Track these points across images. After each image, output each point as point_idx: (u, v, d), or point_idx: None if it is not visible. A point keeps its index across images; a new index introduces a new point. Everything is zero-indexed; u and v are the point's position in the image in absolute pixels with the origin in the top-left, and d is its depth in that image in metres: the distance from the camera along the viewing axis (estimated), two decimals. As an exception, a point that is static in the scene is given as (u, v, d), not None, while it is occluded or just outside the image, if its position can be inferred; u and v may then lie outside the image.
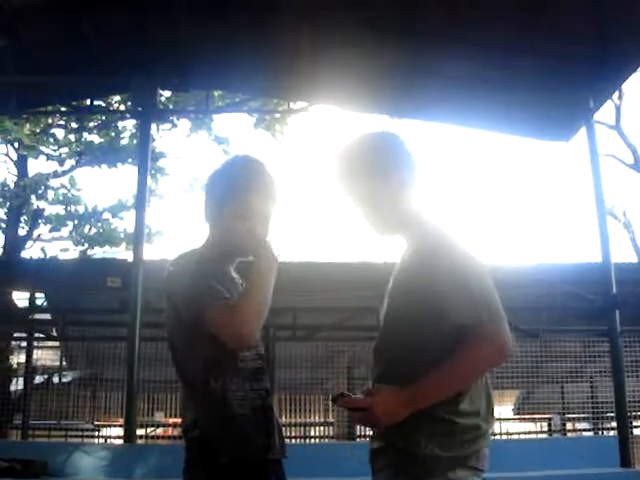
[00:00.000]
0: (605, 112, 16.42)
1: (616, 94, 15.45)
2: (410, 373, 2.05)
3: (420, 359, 2.08)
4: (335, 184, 2.35)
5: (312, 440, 9.96)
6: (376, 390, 2.09)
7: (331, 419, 9.65)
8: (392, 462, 2.09)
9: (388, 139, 2.34)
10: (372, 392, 2.07)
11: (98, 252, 13.76)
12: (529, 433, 10.82)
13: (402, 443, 2.06)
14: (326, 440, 9.60)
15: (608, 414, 8.80)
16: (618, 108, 17.07)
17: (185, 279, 2.23)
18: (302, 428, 10.06)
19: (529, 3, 5.54)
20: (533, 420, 11.21)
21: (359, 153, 2.29)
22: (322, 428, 10.05)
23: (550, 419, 10.49)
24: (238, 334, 2.16)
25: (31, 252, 13.66)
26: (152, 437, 9.26)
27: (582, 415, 10.11)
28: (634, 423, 9.37)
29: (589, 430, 10.35)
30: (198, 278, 2.21)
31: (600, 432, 9.53)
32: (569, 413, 10.21)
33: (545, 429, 10.79)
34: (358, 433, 9.02)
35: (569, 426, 10.87)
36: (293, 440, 9.59)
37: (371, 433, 2.25)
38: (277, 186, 2.42)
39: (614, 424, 7.52)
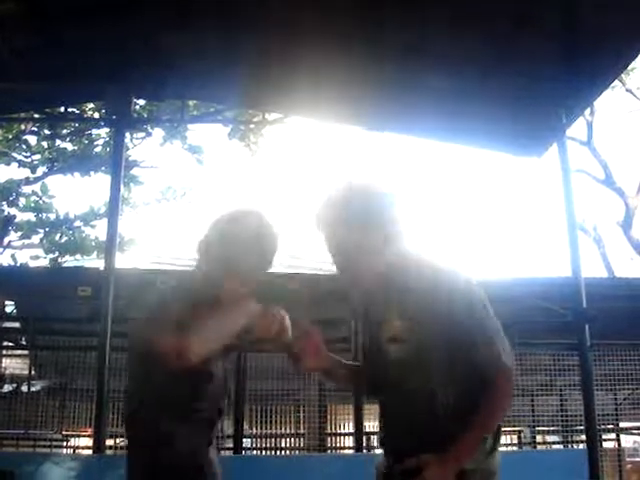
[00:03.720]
0: (577, 128, 16.61)
1: (588, 111, 15.67)
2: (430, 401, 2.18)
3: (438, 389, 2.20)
4: (323, 229, 2.38)
5: (283, 452, 9.93)
6: (425, 464, 2.12)
7: (302, 430, 9.62)
8: None
9: (377, 191, 2.36)
10: (423, 466, 2.12)
11: (69, 260, 13.66)
12: (499, 445, 10.85)
13: None
14: (296, 452, 9.55)
15: (577, 427, 8.86)
16: (590, 125, 17.31)
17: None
18: (273, 440, 10.02)
19: (504, 20, 5.59)
20: (503, 433, 11.25)
21: (353, 202, 2.31)
22: (293, 439, 10.01)
23: (520, 432, 10.54)
24: (176, 350, 2.14)
25: (1, 259, 13.52)
26: (121, 448, 9.18)
27: (552, 428, 10.18)
28: (603, 436, 9.46)
29: (559, 443, 10.42)
30: (164, 309, 2.24)
31: (569, 445, 9.60)
32: (539, 426, 10.28)
33: (515, 442, 10.84)
34: (329, 445, 9.01)
35: (539, 439, 10.94)
36: (264, 452, 9.55)
37: None
38: (276, 250, 2.48)
39: (583, 437, 7.58)
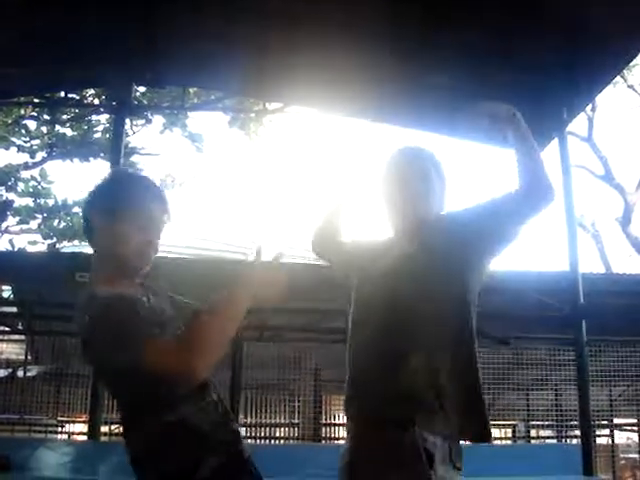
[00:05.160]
0: (578, 124, 16.60)
1: (589, 106, 15.65)
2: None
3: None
4: (396, 178, 2.57)
5: (277, 441, 9.96)
6: None
7: (296, 420, 9.64)
8: None
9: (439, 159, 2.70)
10: None
11: (67, 246, 13.64)
12: (493, 439, 10.88)
13: None
14: (291, 441, 9.58)
15: (571, 422, 8.89)
16: (591, 120, 17.30)
17: (103, 332, 2.00)
18: (267, 429, 10.04)
19: (505, 16, 5.57)
20: (497, 426, 11.31)
21: (434, 158, 2.66)
22: (287, 429, 10.04)
23: (515, 426, 10.58)
24: (189, 370, 1.98)
25: (-1, 244, 13.51)
26: (116, 434, 9.19)
27: (546, 423, 10.21)
28: (596, 432, 9.49)
29: (553, 438, 10.44)
30: (115, 326, 1.98)
31: (563, 440, 9.62)
32: (533, 420, 10.31)
33: (509, 436, 10.88)
34: (323, 435, 9.03)
35: (533, 433, 10.97)
36: (258, 441, 9.57)
37: None
38: (166, 198, 2.32)
39: (577, 432, 7.59)
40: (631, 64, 14.19)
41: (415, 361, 2.23)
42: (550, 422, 9.77)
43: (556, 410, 9.07)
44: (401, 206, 2.52)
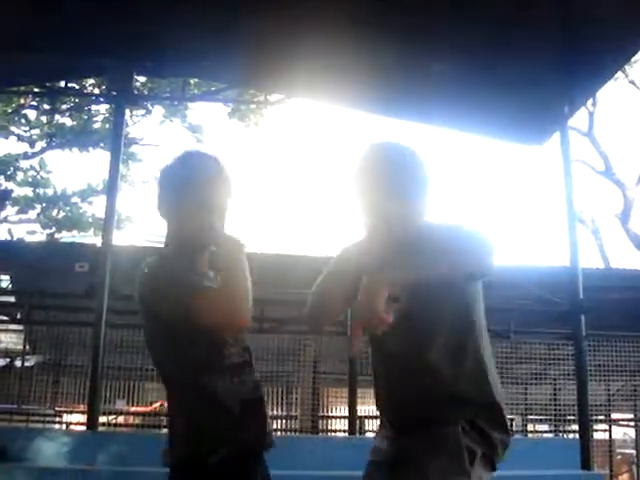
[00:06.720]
0: (578, 119, 16.58)
1: (590, 101, 15.63)
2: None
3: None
4: (374, 175, 2.39)
5: (275, 433, 9.97)
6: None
7: (295, 412, 9.66)
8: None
9: (417, 153, 2.47)
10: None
11: (65, 236, 13.65)
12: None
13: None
14: (289, 434, 9.59)
15: (569, 417, 8.90)
16: (592, 115, 17.28)
17: (162, 285, 2.20)
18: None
19: (507, 8, 5.55)
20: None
21: (414, 156, 2.44)
22: (286, 421, 10.05)
23: (512, 420, 10.59)
24: (235, 317, 2.16)
25: (-3, 233, 13.50)
26: (113, 425, 9.20)
27: (544, 417, 10.22)
28: (594, 427, 9.50)
29: (549, 432, 10.46)
30: (175, 278, 2.19)
31: (561, 434, 9.64)
32: (531, 414, 10.32)
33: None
34: (322, 427, 9.04)
35: (530, 427, 10.99)
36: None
37: None
38: (233, 179, 2.40)
39: (575, 427, 7.60)
40: (632, 59, 14.16)
41: (448, 363, 2.27)
42: (548, 416, 9.78)
43: (554, 404, 9.08)
44: (373, 207, 2.38)
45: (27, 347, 9.33)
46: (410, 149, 2.45)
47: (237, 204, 2.44)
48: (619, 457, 11.53)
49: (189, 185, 2.31)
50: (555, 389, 9.16)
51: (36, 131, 13.64)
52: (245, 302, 2.16)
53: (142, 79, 11.64)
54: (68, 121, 13.79)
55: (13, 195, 13.35)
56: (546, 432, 10.92)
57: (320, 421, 9.84)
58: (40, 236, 13.39)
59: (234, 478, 2.22)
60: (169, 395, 2.34)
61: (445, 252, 2.16)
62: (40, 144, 13.69)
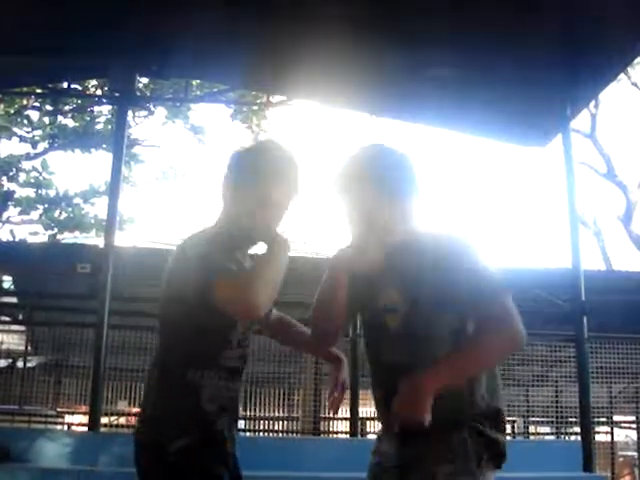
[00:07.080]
0: (581, 121, 16.58)
1: (592, 103, 15.63)
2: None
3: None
4: (344, 185, 2.38)
5: (277, 435, 9.96)
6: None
7: (296, 414, 9.65)
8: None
9: (401, 154, 2.41)
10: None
11: (68, 237, 13.66)
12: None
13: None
14: (290, 435, 9.58)
15: (570, 419, 8.89)
16: (594, 117, 17.27)
17: (194, 258, 2.20)
18: (267, 422, 10.05)
19: (508, 9, 5.54)
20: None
21: (380, 160, 2.37)
22: (287, 423, 10.05)
23: (514, 422, 10.58)
24: (249, 302, 2.14)
25: (-1, 234, 13.51)
26: (115, 426, 9.20)
27: (545, 419, 10.21)
28: (595, 429, 9.49)
29: (551, 434, 10.45)
30: (209, 255, 2.19)
31: (563, 436, 9.62)
32: (533, 416, 10.31)
33: (508, 432, 10.89)
34: (323, 429, 9.02)
35: (532, 429, 10.98)
36: (258, 434, 9.58)
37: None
38: (302, 178, 2.41)
39: (576, 429, 7.59)
40: (635, 61, 14.15)
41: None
42: (549, 419, 9.77)
43: (556, 406, 9.07)
44: (357, 210, 2.35)
45: (29, 348, 9.33)
46: (396, 150, 2.42)
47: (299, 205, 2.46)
48: (621, 459, 11.52)
49: (258, 178, 2.33)
50: (557, 391, 9.14)
51: (38, 132, 13.65)
52: (263, 291, 2.15)
53: (145, 80, 11.66)
54: (70, 122, 13.81)
55: (15, 196, 13.37)
56: (548, 434, 10.91)
57: (322, 422, 9.83)
58: (42, 237, 13.42)
59: (190, 469, 2.23)
60: (153, 383, 2.35)
61: (439, 269, 2.19)
62: (42, 145, 13.71)
